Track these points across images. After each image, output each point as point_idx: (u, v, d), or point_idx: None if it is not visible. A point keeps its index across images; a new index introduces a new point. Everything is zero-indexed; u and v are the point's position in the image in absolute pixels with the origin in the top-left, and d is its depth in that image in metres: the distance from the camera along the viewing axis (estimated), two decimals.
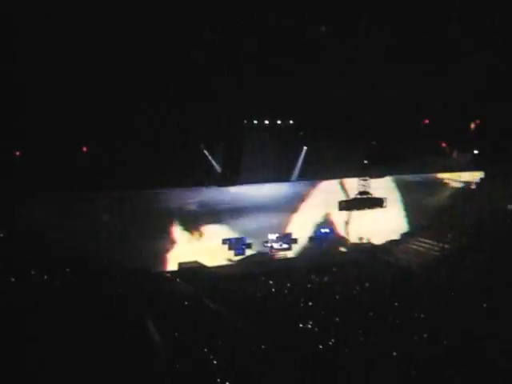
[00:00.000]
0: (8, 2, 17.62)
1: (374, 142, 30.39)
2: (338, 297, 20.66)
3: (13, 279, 17.91)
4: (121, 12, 19.37)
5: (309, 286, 23.64)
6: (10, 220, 23.99)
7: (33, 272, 18.99)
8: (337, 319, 16.58)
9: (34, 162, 23.97)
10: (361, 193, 29.94)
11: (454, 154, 33.61)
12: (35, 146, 23.98)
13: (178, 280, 25.41)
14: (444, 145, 33.17)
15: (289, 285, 23.82)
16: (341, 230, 32.93)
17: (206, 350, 12.72)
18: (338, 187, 32.97)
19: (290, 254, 30.88)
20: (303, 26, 22.86)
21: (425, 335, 14.22)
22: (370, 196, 29.70)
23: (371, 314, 17.11)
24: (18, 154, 24.61)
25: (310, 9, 21.50)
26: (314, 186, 32.29)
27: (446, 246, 28.78)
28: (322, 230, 32.07)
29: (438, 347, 13.01)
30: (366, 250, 31.14)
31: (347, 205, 30.12)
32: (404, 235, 32.52)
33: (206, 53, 22.66)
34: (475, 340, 13.04)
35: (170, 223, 28.85)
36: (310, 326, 16.15)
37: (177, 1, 20.03)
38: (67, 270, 21.13)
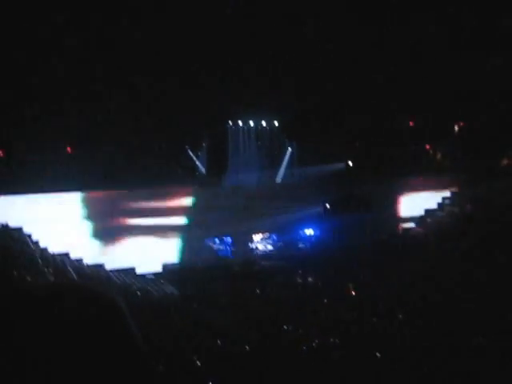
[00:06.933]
0: None
1: (357, 144, 30.53)
2: (324, 300, 20.66)
3: None
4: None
5: (293, 287, 23.69)
6: None
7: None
8: (321, 320, 16.63)
9: None
10: (347, 194, 29.89)
11: (438, 157, 33.82)
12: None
13: (162, 281, 25.35)
14: (428, 147, 33.40)
15: (274, 286, 23.85)
16: (327, 231, 32.55)
17: (191, 353, 12.71)
18: None
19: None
20: (290, 24, 22.98)
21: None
22: (356, 198, 29.69)
23: (354, 314, 17.16)
24: None
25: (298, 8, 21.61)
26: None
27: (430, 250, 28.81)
28: (307, 232, 31.88)
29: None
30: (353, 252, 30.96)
31: (332, 207, 30.16)
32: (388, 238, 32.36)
33: (191, 51, 22.70)
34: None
35: None
36: (292, 328, 16.17)
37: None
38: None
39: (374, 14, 23.37)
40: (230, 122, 29.55)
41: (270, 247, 30.58)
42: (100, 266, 25.46)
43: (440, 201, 33.66)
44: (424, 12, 23.10)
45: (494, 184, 30.11)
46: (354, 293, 21.58)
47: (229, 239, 29.76)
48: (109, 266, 25.86)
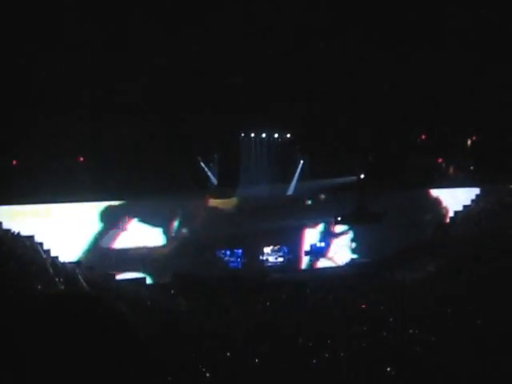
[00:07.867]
0: None
1: (370, 157, 30.46)
2: (334, 313, 20.56)
3: None
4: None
5: (303, 299, 23.58)
6: None
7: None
8: (331, 333, 16.53)
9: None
10: (358, 208, 29.77)
11: (451, 170, 33.67)
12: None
13: (172, 292, 25.29)
14: (440, 160, 33.27)
15: (283, 298, 23.77)
16: (337, 244, 32.44)
17: (201, 366, 12.66)
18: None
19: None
20: (304, 36, 23.04)
21: (418, 349, 14.16)
22: (366, 211, 29.56)
23: (365, 328, 17.05)
24: None
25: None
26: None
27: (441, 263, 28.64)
28: (318, 245, 31.72)
29: (432, 363, 12.95)
30: (361, 266, 30.84)
31: (343, 220, 30.03)
32: (400, 251, 32.14)
33: (205, 65, 22.80)
34: (472, 355, 12.98)
35: None
36: (303, 340, 16.08)
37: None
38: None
39: (390, 29, 23.40)
40: (243, 134, 29.61)
41: (280, 259, 30.50)
42: (110, 276, 25.47)
43: (452, 214, 33.51)
44: (438, 27, 23.11)
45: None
46: (364, 306, 21.46)
47: (239, 251, 29.69)
48: (119, 276, 25.89)
